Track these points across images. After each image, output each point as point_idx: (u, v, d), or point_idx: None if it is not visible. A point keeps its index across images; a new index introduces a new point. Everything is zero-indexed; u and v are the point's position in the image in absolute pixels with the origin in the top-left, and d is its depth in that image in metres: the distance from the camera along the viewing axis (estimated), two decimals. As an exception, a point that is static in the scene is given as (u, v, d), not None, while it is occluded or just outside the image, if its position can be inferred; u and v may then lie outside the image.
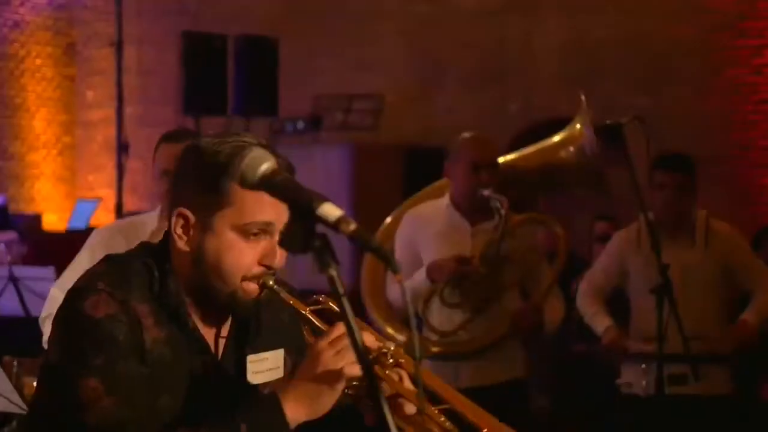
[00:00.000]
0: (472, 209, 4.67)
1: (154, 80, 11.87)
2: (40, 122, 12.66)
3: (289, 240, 2.02)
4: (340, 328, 2.06)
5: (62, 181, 12.80)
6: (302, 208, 1.79)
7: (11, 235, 7.99)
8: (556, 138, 5.09)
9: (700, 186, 5.15)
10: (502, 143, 8.19)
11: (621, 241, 5.16)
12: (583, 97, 5.00)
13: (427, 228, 4.68)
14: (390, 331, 4.93)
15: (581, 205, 8.18)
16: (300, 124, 9.87)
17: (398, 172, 9.45)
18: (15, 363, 4.78)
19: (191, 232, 2.13)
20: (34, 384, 5.06)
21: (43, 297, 6.55)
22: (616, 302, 5.31)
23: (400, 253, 4.72)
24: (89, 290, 2.08)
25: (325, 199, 1.75)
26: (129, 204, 10.99)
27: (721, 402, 4.85)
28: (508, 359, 4.69)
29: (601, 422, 6.20)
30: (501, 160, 4.87)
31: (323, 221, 1.72)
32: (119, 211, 9.99)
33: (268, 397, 2.10)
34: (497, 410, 4.78)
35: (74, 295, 2.10)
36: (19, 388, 4.53)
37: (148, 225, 3.85)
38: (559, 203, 7.53)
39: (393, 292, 4.78)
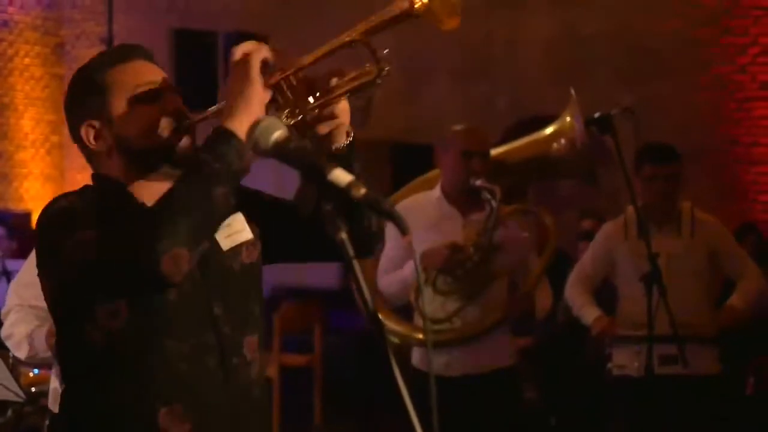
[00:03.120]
0: (464, 199, 4.72)
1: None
2: (29, 121, 12.66)
3: (302, 204, 2.11)
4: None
5: (51, 180, 12.81)
6: (314, 173, 1.87)
7: (-1, 230, 8.03)
8: (547, 131, 5.17)
9: (686, 180, 5.27)
10: (491, 138, 8.25)
11: (608, 232, 5.31)
12: (572, 91, 5.09)
13: (418, 218, 4.72)
14: (385, 321, 4.96)
15: (567, 202, 8.27)
16: (289, 121, 9.95)
17: (386, 167, 9.52)
18: (11, 353, 4.84)
19: (103, 133, 2.33)
20: (30, 374, 5.15)
21: (35, 290, 6.66)
22: (602, 292, 5.44)
23: (391, 244, 4.78)
24: (49, 203, 2.33)
25: (336, 165, 1.84)
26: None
27: (709, 381, 5.02)
28: (498, 348, 4.74)
29: (588, 411, 6.33)
30: (492, 152, 4.95)
31: (335, 186, 1.80)
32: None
33: (212, 132, 2.20)
34: (490, 398, 4.86)
35: (42, 211, 2.32)
36: (15, 378, 4.60)
37: None
38: (545, 200, 7.60)
39: (383, 282, 4.82)
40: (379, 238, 2.44)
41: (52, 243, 2.23)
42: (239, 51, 2.20)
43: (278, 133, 1.99)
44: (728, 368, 5.22)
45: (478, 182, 4.63)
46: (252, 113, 2.15)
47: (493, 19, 10.09)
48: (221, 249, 2.34)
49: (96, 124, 2.33)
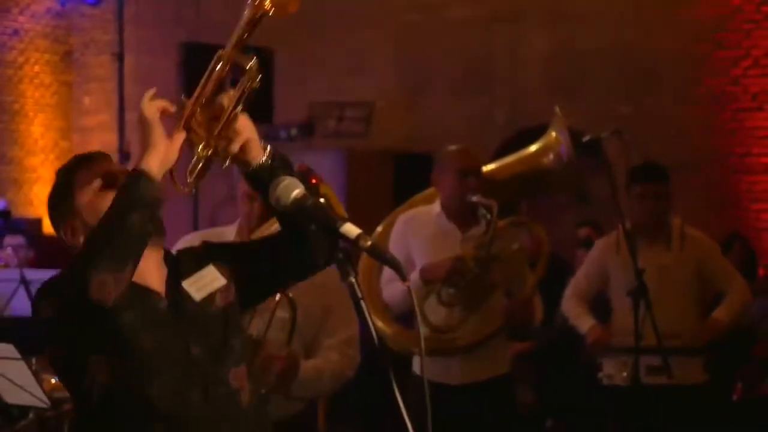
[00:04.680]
0: (462, 215, 4.93)
1: (151, 88, 12.07)
2: (38, 127, 12.82)
3: (316, 253, 2.39)
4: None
5: (60, 186, 13.00)
6: (328, 226, 2.15)
7: (18, 239, 8.18)
8: (534, 147, 5.39)
9: (680, 191, 5.51)
10: (489, 150, 8.47)
11: (602, 248, 5.56)
12: (557, 108, 5.31)
13: (419, 232, 4.93)
14: (382, 326, 5.11)
15: (564, 211, 8.47)
16: (294, 131, 10.14)
17: (389, 176, 9.74)
18: (33, 360, 5.04)
19: (78, 228, 2.60)
20: (53, 380, 5.36)
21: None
22: (598, 304, 5.69)
23: (393, 254, 4.98)
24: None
25: (347, 220, 2.12)
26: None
27: (695, 391, 5.26)
28: (496, 356, 4.96)
29: (583, 414, 6.55)
30: (484, 168, 5.16)
31: (345, 237, 2.08)
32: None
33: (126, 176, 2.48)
34: (488, 405, 5.07)
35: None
36: (38, 384, 4.82)
37: (227, 235, 4.04)
38: (542, 209, 7.80)
39: (388, 292, 5.00)
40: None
41: (38, 320, 2.53)
42: (138, 113, 2.48)
43: (297, 192, 2.28)
44: (714, 377, 5.44)
45: (475, 198, 4.84)
46: (159, 150, 2.43)
47: (493, 34, 10.25)
48: (194, 300, 2.62)
49: (67, 222, 2.62)
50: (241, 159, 2.53)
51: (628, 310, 5.02)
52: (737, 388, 6.24)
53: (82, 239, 2.59)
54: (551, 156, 5.25)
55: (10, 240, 8.14)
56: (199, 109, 2.48)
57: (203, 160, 2.48)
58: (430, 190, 5.23)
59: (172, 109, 2.46)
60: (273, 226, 3.68)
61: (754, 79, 9.53)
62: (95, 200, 2.60)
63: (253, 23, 2.43)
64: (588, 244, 7.60)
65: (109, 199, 2.54)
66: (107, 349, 2.50)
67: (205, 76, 2.47)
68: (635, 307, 4.88)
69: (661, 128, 9.29)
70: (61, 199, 2.65)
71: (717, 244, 5.78)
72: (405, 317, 5.05)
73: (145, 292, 2.59)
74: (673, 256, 5.35)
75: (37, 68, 12.83)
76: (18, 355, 4.66)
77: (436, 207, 5.02)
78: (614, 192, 4.98)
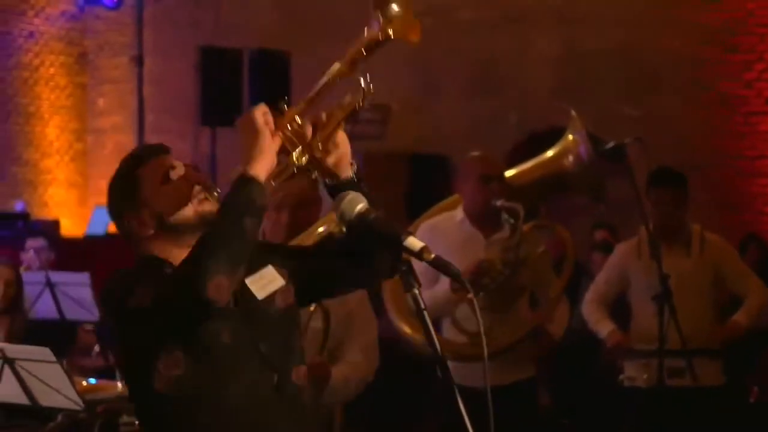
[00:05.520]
0: (485, 221, 4.94)
1: (168, 91, 12.15)
2: (53, 129, 12.89)
3: (380, 266, 2.48)
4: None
5: (75, 187, 13.05)
6: (392, 239, 2.24)
7: (40, 241, 8.22)
8: (552, 151, 5.43)
9: (691, 195, 5.59)
10: (500, 152, 8.53)
11: (623, 253, 5.63)
12: (573, 111, 5.36)
13: (442, 240, 4.89)
14: (408, 331, 5.15)
15: (578, 213, 8.53)
16: (309, 134, 10.21)
17: (404, 178, 9.81)
18: (64, 362, 5.15)
19: (143, 218, 2.62)
20: (84, 383, 5.44)
21: (77, 301, 6.95)
22: (617, 308, 5.77)
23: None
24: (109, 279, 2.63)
25: (410, 233, 2.22)
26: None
27: (714, 392, 5.35)
28: (521, 360, 4.99)
29: (599, 417, 6.63)
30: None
31: (408, 250, 2.17)
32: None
33: (235, 180, 2.49)
34: (510, 409, 5.16)
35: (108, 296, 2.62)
36: (72, 386, 4.89)
37: None
38: (558, 211, 7.87)
39: None
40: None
41: (115, 309, 2.56)
42: (243, 117, 2.51)
43: (361, 206, 2.38)
44: (732, 379, 5.54)
45: (499, 203, 4.86)
46: (266, 157, 2.47)
47: (502, 37, 10.32)
48: (256, 298, 2.66)
49: (134, 213, 2.64)
50: (329, 171, 2.59)
51: (650, 314, 5.12)
52: (753, 391, 6.31)
53: (151, 231, 2.63)
54: (571, 158, 5.29)
55: (32, 243, 8.18)
56: (298, 118, 2.52)
57: (294, 168, 2.53)
58: (455, 197, 5.24)
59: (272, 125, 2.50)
60: (313, 235, 3.77)
61: (767, 83, 9.61)
62: (165, 191, 2.62)
63: (373, 46, 2.48)
64: (604, 247, 7.68)
65: (176, 188, 2.61)
66: (190, 343, 2.53)
67: (315, 90, 2.51)
68: (660, 311, 4.96)
69: (670, 131, 9.34)
70: (127, 189, 2.66)
71: (734, 248, 5.86)
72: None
73: None
74: (692, 261, 5.42)
75: (52, 70, 12.91)
76: (53, 358, 4.73)
77: (458, 213, 5.04)
78: (638, 196, 5.06)
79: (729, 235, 5.89)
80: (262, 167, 2.47)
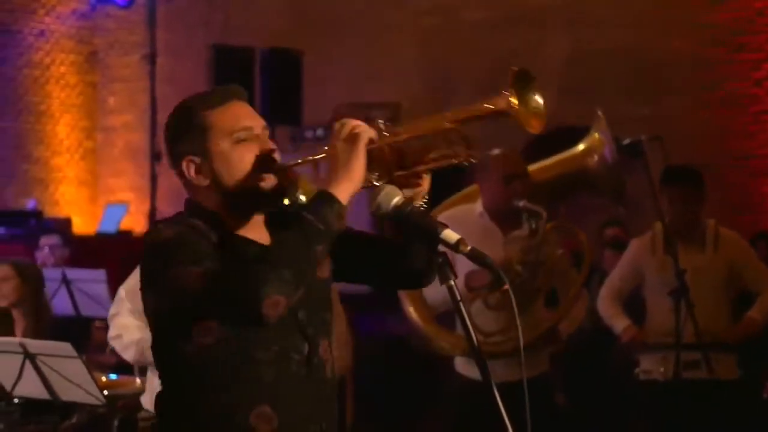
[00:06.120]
0: (506, 219, 4.93)
1: (180, 90, 12.19)
2: (64, 127, 12.93)
3: (415, 258, 2.52)
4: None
5: (85, 185, 13.09)
6: (428, 232, 2.29)
7: (54, 239, 8.26)
8: (579, 147, 5.41)
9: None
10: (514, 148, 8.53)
11: (637, 249, 5.66)
12: (600, 112, 5.36)
13: (460, 231, 4.89)
14: (422, 325, 5.17)
15: (591, 211, 8.56)
16: (320, 132, 10.28)
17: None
18: (83, 358, 5.19)
19: (203, 169, 2.57)
20: (103, 378, 5.48)
21: (94, 298, 7.00)
22: (631, 304, 5.81)
23: None
24: (154, 231, 2.58)
25: (446, 226, 2.25)
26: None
27: (729, 386, 5.39)
28: (536, 355, 4.97)
29: (617, 413, 6.66)
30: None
31: (445, 243, 2.21)
32: (152, 217, 10.31)
33: (316, 194, 2.47)
34: (529, 404, 5.14)
35: (148, 238, 2.58)
36: (94, 381, 4.92)
37: None
38: (569, 209, 7.88)
39: (429, 291, 4.93)
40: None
41: (162, 269, 2.48)
42: (349, 126, 2.50)
43: (397, 199, 2.41)
44: (747, 374, 5.58)
45: (521, 203, 4.84)
46: (353, 184, 2.46)
47: (513, 37, 10.33)
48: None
49: (197, 159, 2.58)
50: None
51: (666, 309, 5.15)
52: (767, 386, 6.34)
53: (203, 181, 2.59)
54: (596, 157, 5.29)
55: (46, 240, 8.23)
56: (389, 149, 2.51)
57: (369, 185, 2.52)
58: (472, 188, 5.20)
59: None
60: None
61: (776, 81, 9.65)
62: (230, 152, 2.57)
63: (493, 114, 2.47)
64: (615, 244, 7.70)
65: (243, 153, 2.56)
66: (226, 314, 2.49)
67: (418, 131, 2.50)
68: (676, 306, 5.01)
69: (680, 131, 9.33)
70: (192, 134, 2.60)
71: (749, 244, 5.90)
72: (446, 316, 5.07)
73: (244, 241, 2.60)
74: (707, 257, 5.46)
75: (62, 69, 12.95)
76: (75, 354, 4.77)
77: (478, 206, 5.02)
78: (654, 193, 5.10)
79: (740, 235, 5.92)
80: (348, 191, 2.45)
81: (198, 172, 2.59)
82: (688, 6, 9.83)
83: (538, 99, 2.48)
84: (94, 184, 13.15)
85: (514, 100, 2.41)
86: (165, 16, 12.22)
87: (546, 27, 10.36)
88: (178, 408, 2.62)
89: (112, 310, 4.66)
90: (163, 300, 2.52)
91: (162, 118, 12.04)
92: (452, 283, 2.15)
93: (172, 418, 2.64)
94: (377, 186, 2.51)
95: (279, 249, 2.41)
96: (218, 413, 2.54)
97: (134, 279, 4.38)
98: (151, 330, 2.64)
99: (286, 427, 2.57)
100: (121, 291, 4.64)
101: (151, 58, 10.79)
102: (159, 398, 2.68)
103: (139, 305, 3.91)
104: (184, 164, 2.59)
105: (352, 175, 2.45)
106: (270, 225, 2.66)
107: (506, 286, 2.15)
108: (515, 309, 2.16)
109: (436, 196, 5.62)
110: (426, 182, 2.60)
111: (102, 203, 12.81)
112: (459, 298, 2.15)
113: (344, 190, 2.45)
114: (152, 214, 10.56)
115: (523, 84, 2.47)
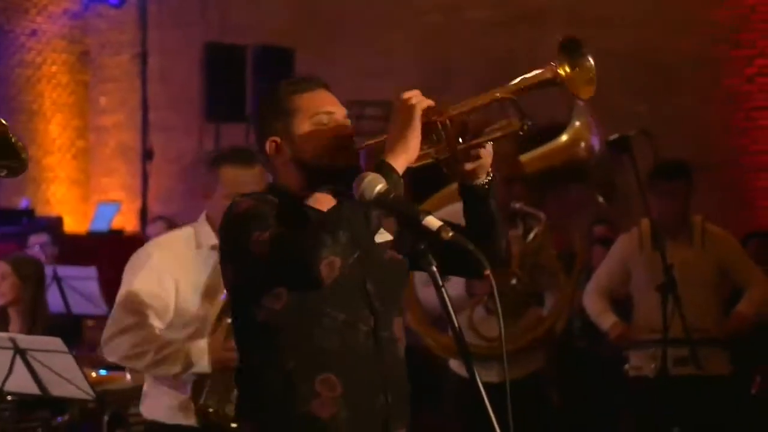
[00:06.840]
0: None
1: (172, 88, 12.20)
2: (56, 127, 12.91)
3: (399, 244, 2.53)
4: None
5: (77, 184, 13.07)
6: (411, 219, 2.30)
7: (43, 237, 8.29)
8: (563, 138, 5.43)
9: (698, 190, 5.61)
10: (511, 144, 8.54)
11: (624, 245, 5.65)
12: (580, 102, 5.35)
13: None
14: (417, 327, 5.21)
15: (579, 208, 8.56)
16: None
17: (408, 174, 9.83)
18: (73, 353, 5.17)
19: (284, 149, 2.72)
20: (93, 374, 5.46)
21: (84, 295, 6.99)
22: (618, 301, 5.81)
23: None
24: (232, 205, 2.70)
25: (428, 213, 2.26)
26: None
27: (719, 381, 5.39)
28: (531, 354, 5.07)
29: (608, 410, 6.66)
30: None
31: (427, 230, 2.22)
32: (144, 216, 10.31)
33: (374, 164, 2.57)
34: (524, 401, 5.18)
35: (227, 212, 2.69)
36: (84, 377, 4.91)
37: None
38: (558, 206, 7.89)
39: (423, 294, 5.06)
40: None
41: (236, 239, 2.62)
42: (404, 97, 2.59)
43: (380, 186, 2.42)
44: (738, 369, 5.57)
45: (518, 206, 4.91)
46: (409, 154, 2.54)
47: (514, 35, 10.32)
48: (373, 239, 2.70)
49: (278, 140, 2.74)
50: (464, 174, 2.67)
51: (653, 305, 5.14)
52: (756, 382, 6.35)
53: (283, 160, 2.72)
54: (582, 145, 5.30)
55: (36, 239, 8.26)
56: (449, 121, 2.58)
57: (433, 159, 2.60)
58: (452, 187, 5.26)
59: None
60: None
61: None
62: (311, 133, 2.71)
63: (542, 83, 2.55)
64: (604, 241, 7.71)
65: (322, 135, 2.69)
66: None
67: (475, 103, 2.56)
68: (664, 301, 4.99)
69: (678, 128, 9.34)
70: (277, 116, 2.76)
71: (737, 240, 5.90)
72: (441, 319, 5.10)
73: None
74: (695, 252, 5.45)
75: (54, 68, 12.94)
76: (65, 349, 4.76)
77: None
78: (641, 189, 5.09)
79: (734, 231, 5.93)
80: (404, 161, 2.54)
81: (279, 151, 2.73)
82: (688, 5, 9.84)
83: (591, 63, 2.59)
84: (86, 183, 13.14)
85: (565, 69, 2.52)
86: (156, 15, 12.21)
87: (546, 27, 10.36)
88: (249, 375, 2.73)
89: (116, 328, 4.03)
90: (240, 266, 2.63)
91: (153, 117, 12.20)
92: (434, 269, 2.15)
93: (244, 386, 2.75)
94: (434, 161, 2.59)
95: (336, 213, 2.52)
96: (284, 379, 2.64)
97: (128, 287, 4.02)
98: (231, 303, 2.78)
99: (350, 396, 2.65)
100: (122, 303, 4.27)
101: (143, 58, 10.79)
102: (237, 371, 2.78)
103: (145, 314, 3.76)
104: (267, 144, 2.75)
105: (408, 145, 2.53)
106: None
107: (487, 272, 2.15)
108: (497, 303, 2.13)
109: (429, 193, 5.67)
110: (488, 155, 2.65)
111: (94, 202, 12.80)
112: (441, 284, 2.15)
113: (400, 160, 2.53)
114: (144, 213, 10.55)
115: (573, 52, 2.59)
